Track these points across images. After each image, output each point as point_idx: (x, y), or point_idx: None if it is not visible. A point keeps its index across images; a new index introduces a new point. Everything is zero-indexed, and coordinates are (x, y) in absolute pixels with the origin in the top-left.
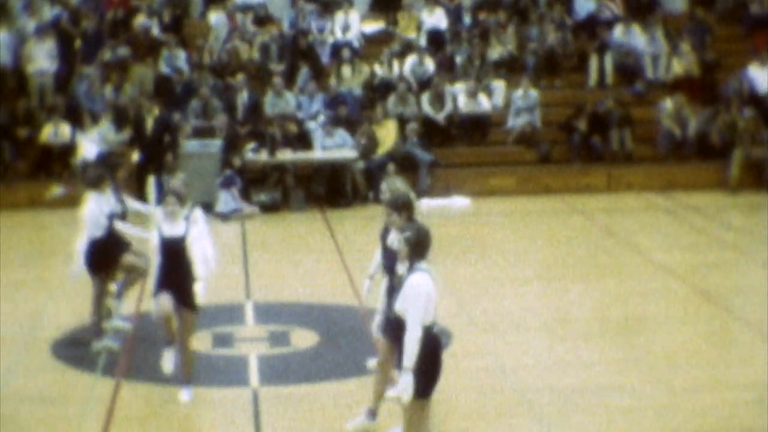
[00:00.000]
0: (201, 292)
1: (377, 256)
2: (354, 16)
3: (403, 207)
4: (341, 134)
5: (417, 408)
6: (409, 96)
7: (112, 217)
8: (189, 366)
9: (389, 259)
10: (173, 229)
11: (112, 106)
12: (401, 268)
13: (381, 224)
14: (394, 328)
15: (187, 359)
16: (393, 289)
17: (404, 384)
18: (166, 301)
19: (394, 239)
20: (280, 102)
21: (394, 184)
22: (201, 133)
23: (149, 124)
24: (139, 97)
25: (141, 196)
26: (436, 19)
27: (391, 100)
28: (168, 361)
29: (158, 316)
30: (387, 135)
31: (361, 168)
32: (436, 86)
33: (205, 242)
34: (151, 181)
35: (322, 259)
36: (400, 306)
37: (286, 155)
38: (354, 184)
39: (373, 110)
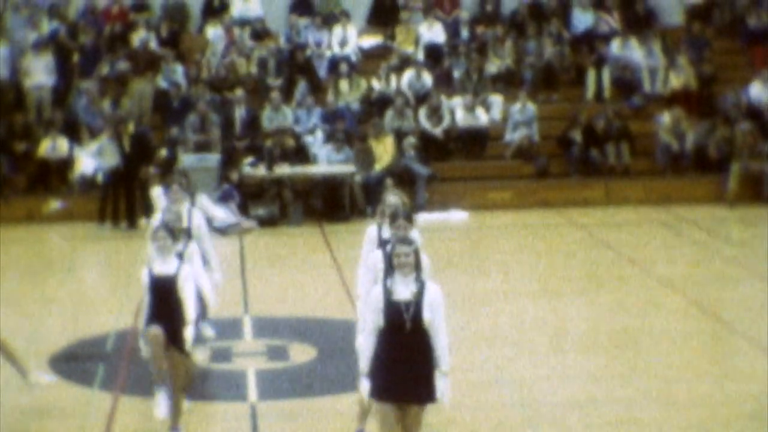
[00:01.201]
0: (190, 336)
1: (368, 275)
2: (352, 31)
3: (412, 221)
4: (347, 150)
5: None
6: (407, 110)
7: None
8: (177, 414)
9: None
10: (165, 267)
11: (113, 120)
12: (404, 281)
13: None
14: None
15: (177, 407)
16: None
17: (448, 387)
18: (156, 331)
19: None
20: (278, 116)
21: (403, 198)
22: (198, 147)
23: (125, 141)
24: (118, 113)
25: (126, 210)
26: (434, 33)
27: (389, 114)
28: (160, 405)
29: (148, 349)
30: (384, 151)
31: (360, 183)
32: (434, 100)
33: (203, 281)
34: (156, 192)
35: (320, 274)
36: (429, 316)
37: (284, 169)
38: (352, 199)
39: (369, 125)
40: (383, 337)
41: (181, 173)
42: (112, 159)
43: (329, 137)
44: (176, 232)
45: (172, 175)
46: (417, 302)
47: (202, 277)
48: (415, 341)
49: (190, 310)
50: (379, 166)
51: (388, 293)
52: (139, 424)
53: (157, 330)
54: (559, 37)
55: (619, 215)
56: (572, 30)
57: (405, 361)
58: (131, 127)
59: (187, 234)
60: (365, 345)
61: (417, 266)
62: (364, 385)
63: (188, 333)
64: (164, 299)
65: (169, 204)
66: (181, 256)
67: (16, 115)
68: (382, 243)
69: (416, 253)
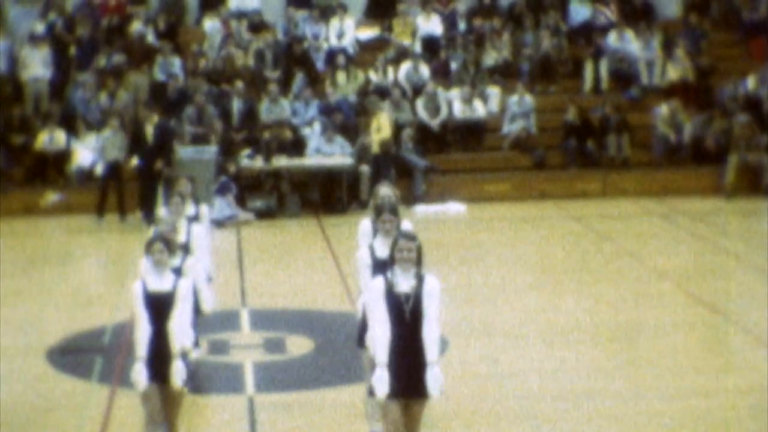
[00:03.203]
0: (180, 372)
1: (367, 270)
2: (349, 23)
3: (397, 214)
4: (340, 141)
5: None
6: (404, 102)
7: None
8: None
9: (380, 268)
10: (161, 283)
11: (117, 113)
12: (404, 275)
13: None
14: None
15: None
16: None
17: (439, 378)
18: (155, 399)
19: (383, 246)
20: (276, 108)
21: (395, 190)
22: (196, 139)
23: (149, 131)
24: (136, 105)
25: (146, 202)
26: (431, 25)
27: (386, 106)
28: None
29: (148, 420)
30: (379, 127)
31: (367, 174)
32: (431, 92)
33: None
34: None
35: (318, 266)
36: (427, 308)
37: (281, 162)
38: (356, 191)
39: (367, 101)
40: None
41: (190, 179)
42: (113, 152)
43: (327, 129)
44: (173, 245)
45: (172, 169)
46: (416, 295)
47: (203, 290)
48: (415, 334)
49: (175, 341)
50: (376, 140)
51: (388, 285)
52: (136, 416)
53: (155, 395)
54: (556, 29)
55: (616, 207)
56: (570, 22)
57: (405, 355)
58: (155, 118)
59: (185, 249)
60: (380, 333)
61: (418, 262)
62: (383, 378)
63: (177, 369)
64: (159, 319)
65: (167, 215)
66: (178, 271)
67: (13, 108)
68: (374, 238)
69: (418, 249)
